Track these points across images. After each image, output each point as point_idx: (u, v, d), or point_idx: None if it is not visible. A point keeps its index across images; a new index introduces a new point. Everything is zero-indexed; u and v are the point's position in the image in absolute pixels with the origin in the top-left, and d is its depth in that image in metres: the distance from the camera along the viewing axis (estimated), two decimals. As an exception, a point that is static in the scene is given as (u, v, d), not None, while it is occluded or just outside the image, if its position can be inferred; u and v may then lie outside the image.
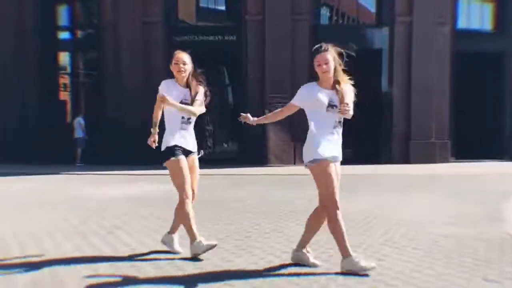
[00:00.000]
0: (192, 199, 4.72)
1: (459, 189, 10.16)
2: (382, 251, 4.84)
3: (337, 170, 4.21)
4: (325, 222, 4.24)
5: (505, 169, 14.66)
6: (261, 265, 4.40)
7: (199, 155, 4.88)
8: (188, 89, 4.70)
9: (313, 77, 4.30)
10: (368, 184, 11.27)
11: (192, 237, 4.58)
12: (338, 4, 18.86)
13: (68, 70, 19.56)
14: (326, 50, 4.12)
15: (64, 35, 19.48)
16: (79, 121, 16.90)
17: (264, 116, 4.69)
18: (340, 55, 4.18)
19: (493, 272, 4.17)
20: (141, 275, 4.15)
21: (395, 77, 16.74)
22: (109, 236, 5.63)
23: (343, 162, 4.33)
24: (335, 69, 4.15)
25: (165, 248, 4.87)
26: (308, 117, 4.22)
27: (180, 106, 4.58)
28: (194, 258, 4.54)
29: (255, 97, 15.83)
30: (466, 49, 16.42)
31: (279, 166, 15.59)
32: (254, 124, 4.52)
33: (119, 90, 16.69)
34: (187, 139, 4.70)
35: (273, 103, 13.79)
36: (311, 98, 4.14)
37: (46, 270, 4.28)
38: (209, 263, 4.44)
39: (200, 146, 4.93)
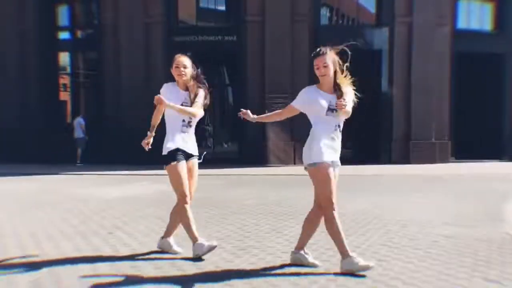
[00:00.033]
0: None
1: (459, 189, 10.17)
2: (382, 251, 4.84)
3: (335, 172, 4.22)
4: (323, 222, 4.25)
5: (505, 169, 14.67)
6: (261, 265, 4.40)
7: (200, 160, 4.87)
8: (188, 92, 4.72)
9: (313, 77, 4.31)
10: (368, 184, 11.27)
11: (194, 239, 4.60)
12: (338, 5, 18.86)
13: (68, 70, 19.54)
14: (324, 54, 4.13)
15: (64, 35, 19.46)
16: (79, 121, 16.90)
17: (265, 114, 4.71)
18: (343, 54, 4.19)
19: (493, 272, 4.17)
20: (141, 275, 4.14)
21: (395, 77, 16.76)
22: (109, 236, 5.63)
23: (343, 162, 4.33)
24: (335, 72, 4.16)
25: (164, 249, 4.89)
26: (310, 120, 4.25)
27: (178, 107, 4.58)
28: (195, 258, 4.55)
29: (255, 98, 15.83)
30: (466, 49, 16.44)
31: (279, 166, 15.60)
32: (254, 121, 4.54)
33: (119, 90, 16.71)
34: (188, 142, 4.71)
35: (273, 104, 13.81)
36: (311, 102, 4.15)
37: (46, 270, 4.28)
38: (209, 263, 4.44)
39: (200, 147, 4.93)
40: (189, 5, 17.83)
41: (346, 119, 4.26)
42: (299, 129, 12.90)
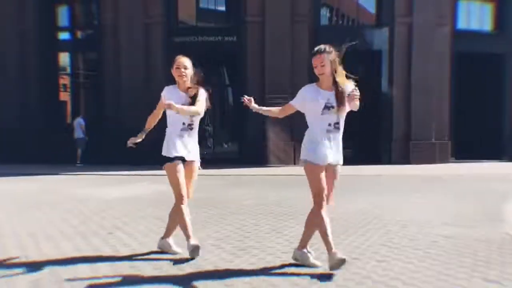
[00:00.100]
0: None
1: (459, 189, 10.17)
2: (382, 252, 4.84)
3: (335, 171, 4.26)
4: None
5: (505, 169, 14.67)
6: (261, 265, 4.40)
7: (200, 168, 4.87)
8: (188, 94, 4.72)
9: (313, 77, 4.32)
10: (368, 184, 11.27)
11: (188, 238, 4.61)
12: (338, 5, 18.86)
13: (68, 70, 19.54)
14: (322, 52, 4.15)
15: (64, 35, 19.46)
16: (79, 121, 16.90)
17: (266, 108, 4.76)
18: (340, 51, 4.21)
19: (492, 272, 4.17)
20: (141, 275, 4.15)
21: (395, 77, 16.76)
22: (109, 237, 5.63)
23: (343, 162, 4.33)
24: (334, 70, 4.17)
25: (164, 250, 4.89)
26: (306, 119, 4.29)
27: (186, 109, 4.55)
28: (193, 258, 4.55)
29: (255, 98, 15.77)
30: (466, 49, 16.43)
31: (279, 166, 15.60)
32: (254, 110, 4.60)
33: (119, 91, 16.71)
34: (188, 146, 4.69)
35: (273, 104, 13.77)
36: (309, 99, 4.20)
37: (46, 270, 4.28)
38: (209, 263, 4.44)
39: (200, 147, 4.93)
40: (189, 6, 17.83)
41: (346, 120, 4.27)
42: (299, 129, 12.81)
